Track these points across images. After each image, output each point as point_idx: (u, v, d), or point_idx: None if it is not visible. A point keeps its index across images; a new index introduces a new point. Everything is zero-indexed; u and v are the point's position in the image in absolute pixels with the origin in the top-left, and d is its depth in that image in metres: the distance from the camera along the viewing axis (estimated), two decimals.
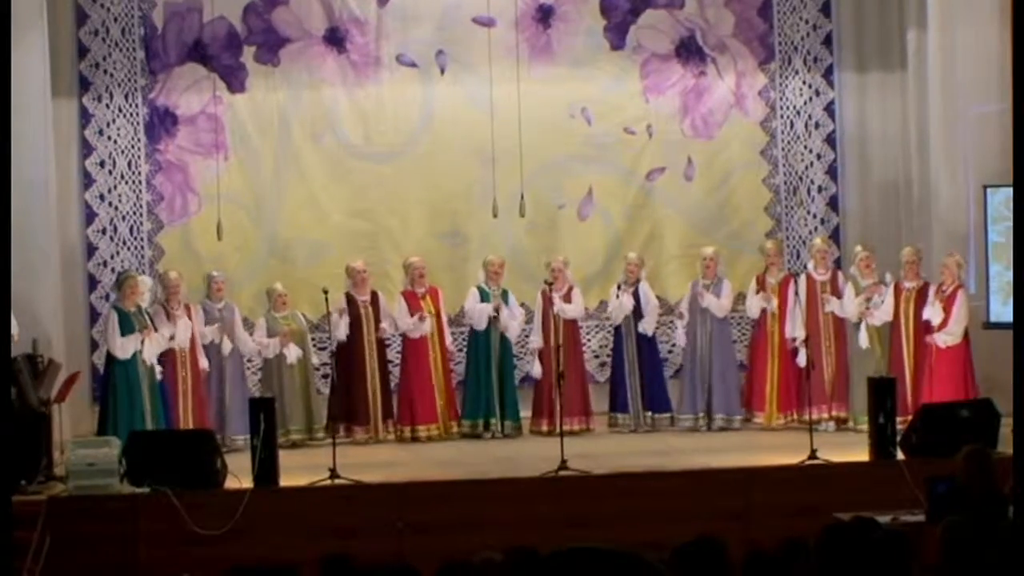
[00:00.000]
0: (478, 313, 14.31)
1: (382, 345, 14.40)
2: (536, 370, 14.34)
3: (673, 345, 14.97)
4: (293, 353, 14.07)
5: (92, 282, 15.30)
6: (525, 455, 13.00)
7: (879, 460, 11.85)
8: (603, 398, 14.56)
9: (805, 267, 14.61)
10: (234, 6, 15.40)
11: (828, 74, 15.84)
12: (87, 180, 15.33)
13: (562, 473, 11.79)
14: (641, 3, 15.66)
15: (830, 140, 15.87)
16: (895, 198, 15.71)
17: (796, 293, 13.91)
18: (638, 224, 15.71)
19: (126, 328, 13.15)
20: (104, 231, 15.34)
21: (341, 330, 14.08)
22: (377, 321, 14.30)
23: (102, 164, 15.34)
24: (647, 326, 14.42)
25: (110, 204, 15.34)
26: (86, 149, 15.32)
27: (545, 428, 14.07)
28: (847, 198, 15.87)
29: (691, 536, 5.76)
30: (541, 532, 9.93)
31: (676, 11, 15.72)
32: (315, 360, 14.49)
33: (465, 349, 14.61)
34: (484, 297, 14.39)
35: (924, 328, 13.53)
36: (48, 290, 14.10)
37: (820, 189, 15.89)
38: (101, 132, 15.33)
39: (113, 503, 11.37)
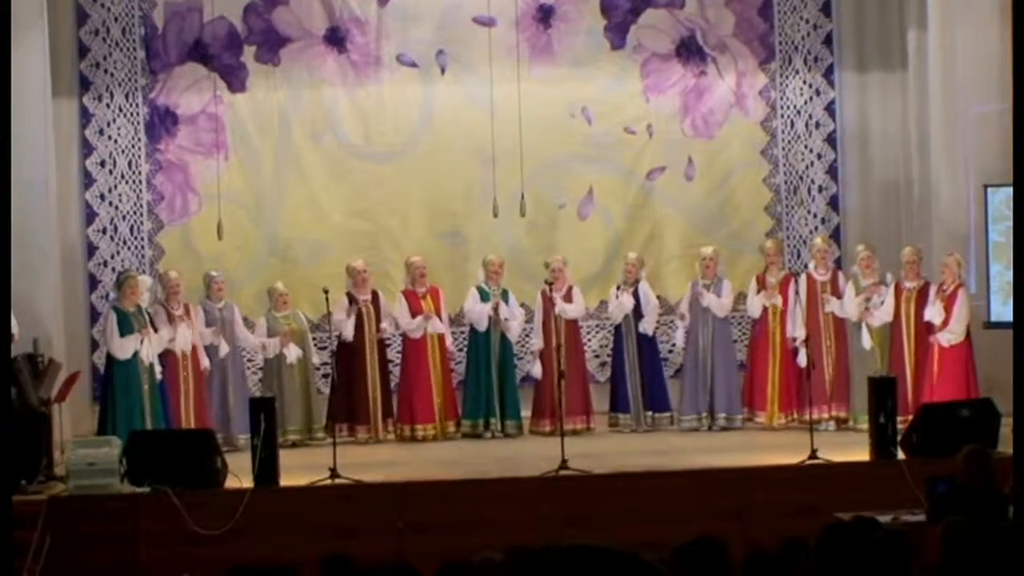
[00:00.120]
0: (477, 314, 14.31)
1: (382, 345, 14.40)
2: (537, 371, 14.33)
3: (673, 345, 14.96)
4: (293, 353, 14.07)
5: (92, 282, 15.31)
6: (525, 455, 12.99)
7: (879, 460, 11.85)
8: (603, 398, 14.56)
9: (806, 267, 14.61)
10: (234, 6, 15.39)
11: (828, 74, 15.84)
12: (87, 180, 15.33)
13: (562, 473, 11.78)
14: (641, 3, 15.66)
15: (830, 140, 15.87)
16: (895, 198, 15.71)
17: (796, 292, 13.91)
18: (638, 224, 15.71)
19: (125, 328, 13.14)
20: (104, 231, 15.34)
21: (348, 329, 14.09)
22: (378, 321, 14.30)
23: (102, 164, 15.34)
24: (647, 326, 14.42)
25: (110, 204, 15.34)
26: (86, 149, 15.32)
27: (548, 428, 14.02)
28: (847, 198, 15.86)
29: (691, 536, 5.75)
30: (541, 532, 9.92)
31: (676, 11, 15.72)
32: (315, 360, 14.49)
33: (465, 349, 14.61)
34: (484, 297, 14.39)
35: (925, 328, 13.53)
36: (48, 290, 14.09)
37: (820, 189, 15.89)
38: (101, 132, 15.33)
39: (113, 503, 11.37)
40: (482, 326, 14.32)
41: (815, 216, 15.86)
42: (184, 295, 13.86)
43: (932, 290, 13.53)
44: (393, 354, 14.71)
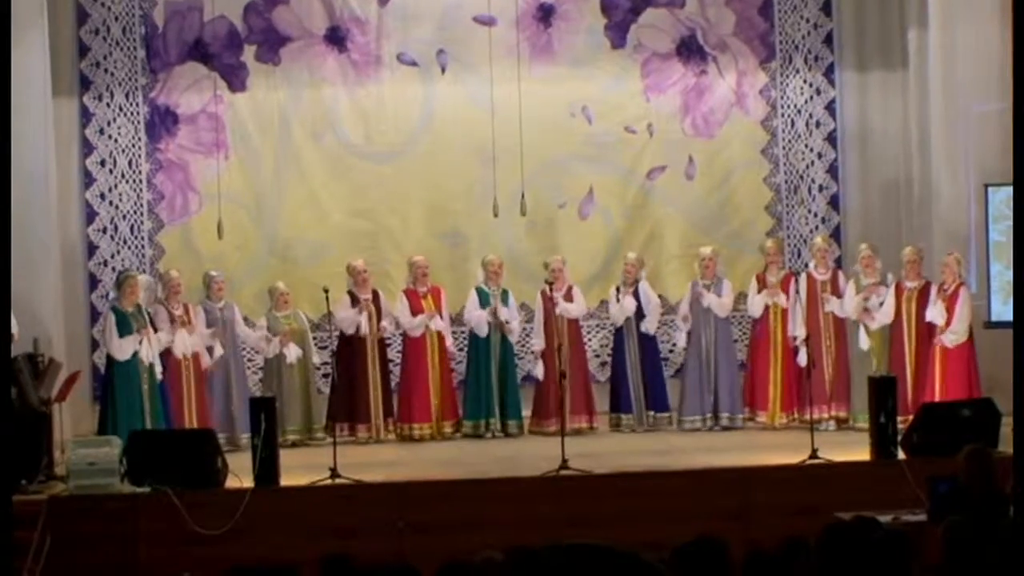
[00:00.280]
0: (476, 320, 14.30)
1: (383, 344, 14.40)
2: (539, 371, 14.31)
3: (674, 345, 14.95)
4: (293, 353, 14.07)
5: (93, 281, 15.31)
6: (526, 455, 12.98)
7: (880, 460, 11.83)
8: (603, 398, 14.55)
9: (806, 266, 14.61)
10: (235, 5, 15.40)
11: (829, 73, 15.84)
12: (88, 179, 15.33)
13: (563, 473, 11.77)
14: (642, 2, 15.66)
15: (831, 139, 15.87)
16: (896, 197, 15.71)
17: (797, 292, 13.91)
18: (639, 223, 15.70)
19: (124, 329, 13.12)
20: (104, 230, 15.34)
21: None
22: (379, 320, 14.30)
23: (103, 163, 15.34)
24: (649, 325, 14.40)
25: (111, 203, 15.34)
26: (87, 148, 15.32)
27: (551, 428, 13.86)
28: (848, 197, 15.86)
29: (692, 536, 5.75)
30: (542, 532, 9.91)
31: (677, 10, 15.71)
32: (316, 359, 14.48)
33: (466, 349, 14.60)
34: (483, 298, 14.37)
35: (926, 328, 13.51)
36: (48, 289, 14.09)
37: (821, 188, 15.88)
38: (102, 131, 15.33)
39: (114, 503, 11.36)
40: (482, 332, 14.30)
41: (815, 215, 15.86)
42: (184, 295, 13.85)
43: (933, 290, 13.51)
44: (394, 354, 14.71)
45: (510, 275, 14.74)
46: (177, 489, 11.29)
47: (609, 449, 13.27)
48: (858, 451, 12.17)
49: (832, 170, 15.88)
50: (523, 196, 14.62)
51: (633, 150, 15.73)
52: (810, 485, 11.45)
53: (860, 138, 15.81)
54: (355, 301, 14.26)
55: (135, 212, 15.37)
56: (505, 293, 14.44)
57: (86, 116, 15.30)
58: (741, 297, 14.75)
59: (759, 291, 14.32)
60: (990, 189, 13.96)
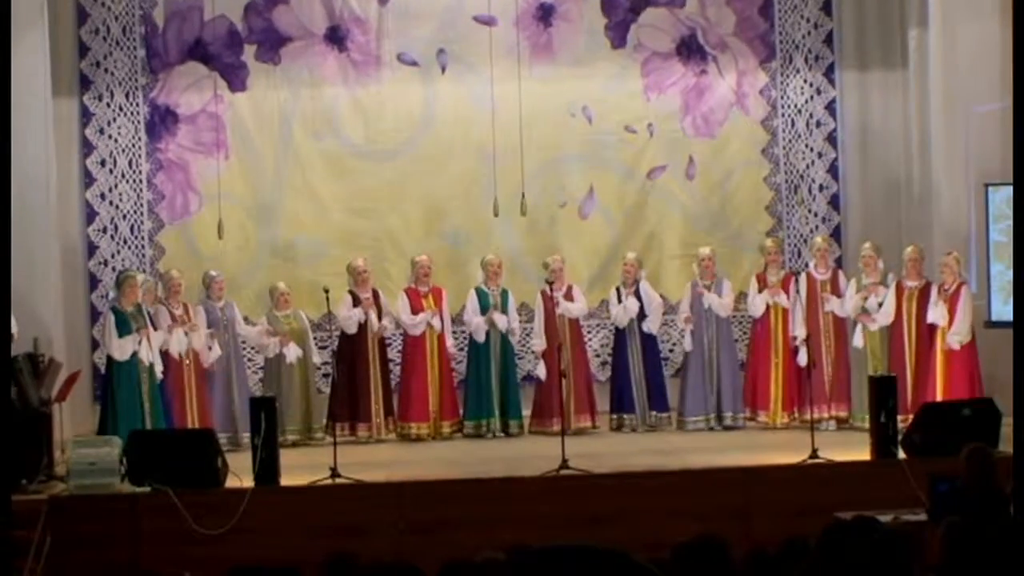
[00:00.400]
0: (475, 326, 14.28)
1: (383, 343, 14.40)
2: (541, 372, 14.30)
3: (675, 344, 14.94)
4: (292, 353, 14.07)
5: (93, 281, 15.31)
6: (526, 455, 12.97)
7: (880, 459, 11.83)
8: (603, 398, 14.54)
9: (806, 266, 14.61)
10: (235, 5, 15.40)
11: (829, 72, 15.83)
12: (88, 179, 15.33)
13: (563, 472, 11.77)
14: (642, 2, 15.65)
15: (831, 139, 15.86)
16: (896, 196, 15.70)
17: (797, 292, 13.91)
18: (639, 223, 15.70)
19: (123, 329, 13.11)
20: (105, 230, 15.34)
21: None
22: (379, 319, 14.29)
23: (103, 163, 15.34)
24: (652, 325, 14.39)
25: (111, 203, 15.34)
26: (87, 148, 15.32)
27: (554, 428, 13.82)
28: (848, 197, 15.86)
29: (692, 535, 5.75)
30: (542, 532, 9.92)
31: (677, 10, 15.71)
32: (316, 359, 14.48)
33: (466, 349, 14.60)
34: (482, 298, 14.36)
35: (927, 328, 13.50)
36: (49, 289, 14.09)
37: (821, 188, 15.88)
38: (102, 131, 15.33)
39: (114, 502, 11.36)
40: (480, 337, 14.29)
41: (816, 215, 15.85)
42: (184, 295, 13.85)
43: (934, 291, 13.49)
44: (394, 353, 14.71)
45: (510, 275, 14.74)
46: (177, 489, 11.28)
47: (609, 449, 13.26)
48: (858, 451, 12.17)
49: (832, 170, 15.87)
50: (523, 196, 14.63)
51: (633, 150, 15.73)
52: (810, 485, 11.44)
53: (860, 138, 15.81)
54: (356, 301, 14.25)
55: (135, 212, 15.37)
56: (505, 293, 14.43)
57: (86, 116, 15.30)
58: (741, 297, 14.76)
59: (759, 291, 14.32)
60: (990, 189, 13.96)
